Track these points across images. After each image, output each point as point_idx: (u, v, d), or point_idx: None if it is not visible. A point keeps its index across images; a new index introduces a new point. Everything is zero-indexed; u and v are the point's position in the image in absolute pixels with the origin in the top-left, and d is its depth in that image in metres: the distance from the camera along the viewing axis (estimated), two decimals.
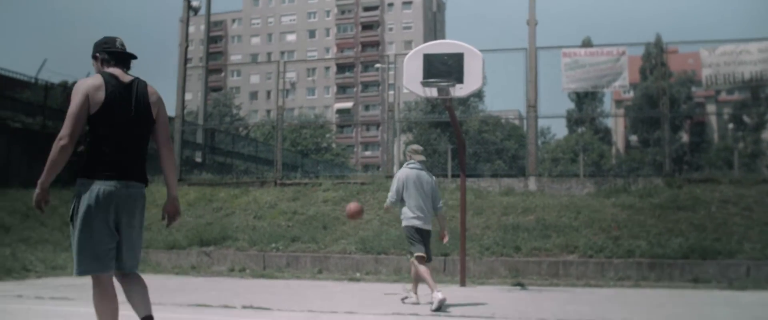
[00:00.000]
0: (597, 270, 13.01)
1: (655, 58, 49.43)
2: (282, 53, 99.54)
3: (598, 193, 16.82)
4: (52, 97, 23.23)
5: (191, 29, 25.92)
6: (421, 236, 8.87)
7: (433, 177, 9.27)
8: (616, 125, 66.88)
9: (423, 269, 8.67)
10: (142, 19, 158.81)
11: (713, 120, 64.82)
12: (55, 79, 25.55)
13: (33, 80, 23.10)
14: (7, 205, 16.61)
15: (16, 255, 13.45)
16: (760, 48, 17.86)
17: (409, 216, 8.88)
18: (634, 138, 64.34)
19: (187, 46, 22.31)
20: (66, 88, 25.64)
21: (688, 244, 13.17)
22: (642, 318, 7.49)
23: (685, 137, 58.16)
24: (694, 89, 58.81)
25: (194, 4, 25.79)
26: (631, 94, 59.32)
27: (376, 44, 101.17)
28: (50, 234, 15.83)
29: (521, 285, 12.10)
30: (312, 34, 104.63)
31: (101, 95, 4.45)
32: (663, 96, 19.07)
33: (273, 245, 14.93)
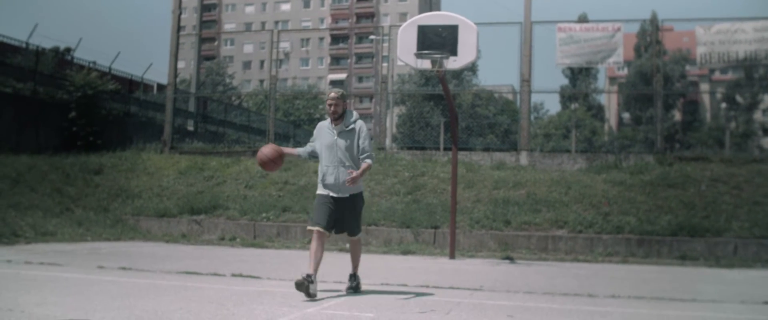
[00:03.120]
0: (586, 245, 13.09)
1: (650, 36, 49.40)
2: (276, 23, 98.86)
3: (589, 169, 16.88)
4: (44, 62, 23.06)
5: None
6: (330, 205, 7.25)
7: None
8: (610, 102, 66.90)
9: None
10: None
11: (706, 99, 64.98)
12: (47, 44, 25.40)
13: (24, 45, 22.92)
14: None
15: (6, 221, 13.42)
16: (756, 27, 17.85)
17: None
18: (626, 115, 64.41)
19: (180, 14, 22.14)
20: (58, 53, 25.48)
21: (677, 221, 13.24)
22: (628, 293, 7.54)
23: (677, 115, 58.24)
24: (688, 68, 58.80)
25: None
26: (625, 71, 59.30)
27: (371, 15, 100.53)
28: (40, 199, 15.79)
29: (510, 259, 12.17)
30: (306, 3, 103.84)
31: None
32: (657, 73, 19.07)
33: (264, 215, 14.95)
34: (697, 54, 18.49)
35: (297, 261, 10.83)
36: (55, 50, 25.72)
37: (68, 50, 26.50)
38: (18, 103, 20.15)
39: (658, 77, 18.94)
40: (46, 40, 65.10)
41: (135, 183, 17.49)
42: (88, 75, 21.71)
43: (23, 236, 12.87)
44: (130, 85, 27.38)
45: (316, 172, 17.19)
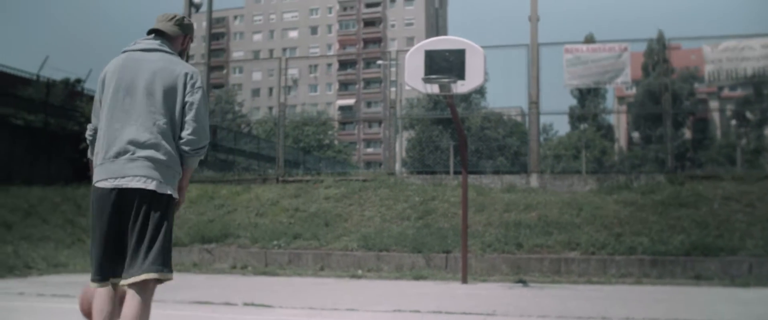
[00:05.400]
0: (599, 267, 13.00)
1: (657, 55, 49.35)
2: (284, 50, 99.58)
3: (600, 190, 16.80)
4: (54, 94, 23.24)
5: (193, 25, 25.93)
6: (102, 214, 3.73)
7: (188, 73, 3.91)
8: (619, 122, 66.74)
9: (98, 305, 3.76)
10: (144, 16, 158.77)
11: (716, 116, 64.69)
12: (57, 76, 25.54)
13: (35, 77, 23.11)
14: (9, 202, 16.62)
15: (19, 253, 13.46)
16: (763, 44, 17.83)
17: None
18: (636, 134, 64.24)
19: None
20: (68, 85, 25.67)
21: (690, 241, 13.15)
22: (643, 315, 7.48)
23: (687, 134, 58.02)
24: (696, 85, 58.62)
25: (196, 0, 25.81)
26: (634, 90, 59.20)
27: (378, 41, 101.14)
28: (52, 231, 15.84)
29: (523, 282, 12.10)
30: (314, 30, 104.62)
31: None
32: (665, 92, 19.06)
33: (275, 242, 14.93)
34: (705, 72, 18.49)
35: (309, 289, 10.82)
36: (66, 81, 25.90)
37: (78, 81, 26.68)
38: (29, 134, 20.28)
39: (666, 96, 18.91)
40: (56, 71, 65.71)
41: None
42: None
43: (35, 268, 12.91)
44: None
45: (328, 199, 17.16)
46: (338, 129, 77.61)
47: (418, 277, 12.74)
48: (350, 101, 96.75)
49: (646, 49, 55.66)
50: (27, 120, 20.68)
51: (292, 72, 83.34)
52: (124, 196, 3.63)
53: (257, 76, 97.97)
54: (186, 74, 3.84)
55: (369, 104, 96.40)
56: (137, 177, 3.62)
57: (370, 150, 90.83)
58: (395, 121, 20.54)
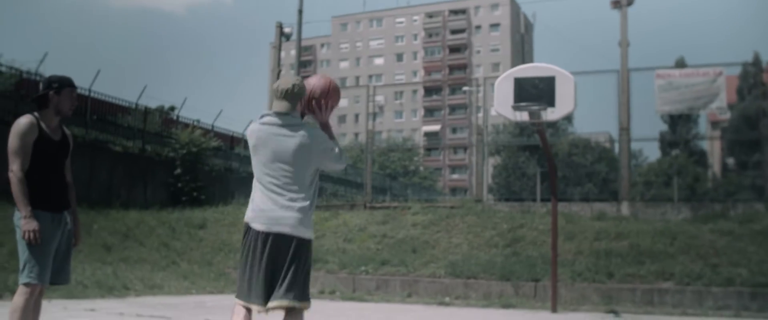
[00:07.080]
0: (694, 299, 12.58)
1: (753, 78, 47.73)
2: (370, 77, 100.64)
3: (695, 219, 16.31)
4: (151, 122, 24.14)
5: (282, 54, 26.61)
6: (255, 252, 4.44)
7: (312, 133, 4.67)
8: (712, 147, 64.59)
9: None
10: (236, 46, 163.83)
11: None
12: (154, 104, 26.52)
13: (134, 105, 24.08)
14: (109, 225, 17.29)
15: (117, 274, 13.94)
16: None
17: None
18: (731, 160, 62.00)
19: (279, 71, 22.87)
20: (163, 112, 26.63)
21: None
22: None
23: None
24: None
25: (286, 30, 26.51)
26: (728, 115, 57.25)
27: (463, 67, 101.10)
28: (148, 253, 16.38)
29: (615, 313, 11.83)
30: (399, 57, 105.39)
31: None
32: (762, 117, 18.42)
33: (363, 268, 15.04)
34: None
35: (397, 316, 10.85)
36: (161, 109, 26.87)
37: (172, 109, 27.64)
38: (128, 160, 21.13)
39: (764, 120, 18.28)
40: (152, 100, 68.43)
41: (237, 237, 17.91)
42: (192, 133, 22.63)
43: (133, 289, 13.34)
44: (232, 141, 28.29)
45: (416, 225, 17.11)
46: (424, 155, 77.73)
47: (506, 306, 12.62)
48: (436, 127, 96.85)
49: (741, 72, 53.93)
50: (125, 146, 21.54)
51: (378, 98, 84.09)
52: (276, 239, 4.42)
53: (343, 102, 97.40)
54: (311, 135, 4.67)
55: (454, 130, 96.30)
56: (289, 226, 4.43)
57: (455, 176, 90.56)
58: (482, 148, 20.47)
